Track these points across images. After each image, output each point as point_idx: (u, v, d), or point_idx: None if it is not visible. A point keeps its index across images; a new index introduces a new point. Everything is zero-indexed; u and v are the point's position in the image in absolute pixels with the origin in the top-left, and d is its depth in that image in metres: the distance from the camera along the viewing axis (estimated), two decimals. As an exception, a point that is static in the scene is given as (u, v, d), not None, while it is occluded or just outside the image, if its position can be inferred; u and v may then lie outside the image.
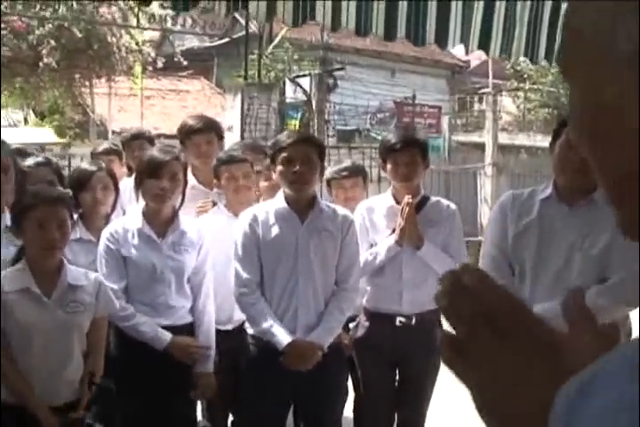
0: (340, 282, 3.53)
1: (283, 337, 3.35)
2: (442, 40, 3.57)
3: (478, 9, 3.65)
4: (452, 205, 4.00)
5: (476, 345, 0.76)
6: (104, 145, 5.54)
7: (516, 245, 3.19)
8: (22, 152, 4.65)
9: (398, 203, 3.85)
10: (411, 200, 3.74)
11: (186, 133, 4.28)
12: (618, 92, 0.59)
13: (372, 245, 3.88)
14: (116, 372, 3.31)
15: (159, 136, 5.80)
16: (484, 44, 3.68)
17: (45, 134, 15.14)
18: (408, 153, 3.76)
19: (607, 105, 0.60)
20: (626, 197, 0.63)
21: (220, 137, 4.41)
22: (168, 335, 3.47)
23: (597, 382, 0.51)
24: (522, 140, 18.48)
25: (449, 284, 0.78)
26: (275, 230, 3.44)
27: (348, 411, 4.34)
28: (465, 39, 3.61)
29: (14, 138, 11.64)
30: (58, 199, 3.07)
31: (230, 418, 4.25)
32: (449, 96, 22.56)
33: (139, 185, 3.57)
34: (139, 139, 5.11)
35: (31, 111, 18.44)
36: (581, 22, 0.63)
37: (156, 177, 3.48)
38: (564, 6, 3.83)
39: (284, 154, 3.41)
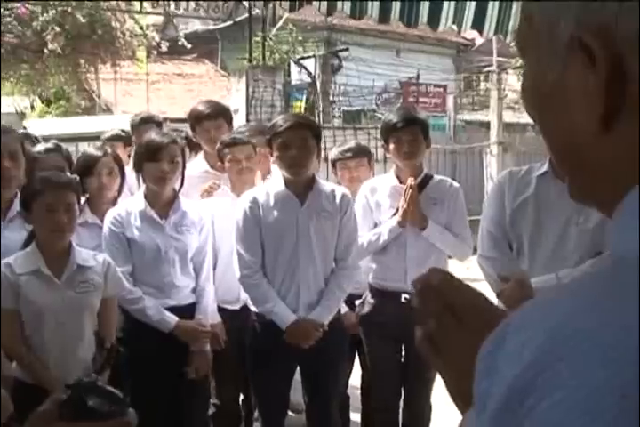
0: (340, 260, 3.62)
1: (285, 317, 3.45)
2: (433, 21, 3.60)
3: (473, -11, 3.67)
4: (455, 184, 4.05)
5: (443, 334, 0.90)
6: (112, 131, 5.62)
7: (514, 221, 3.26)
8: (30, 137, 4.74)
9: (402, 182, 3.90)
10: (413, 182, 3.80)
11: (196, 119, 4.34)
12: (557, 75, 0.66)
13: (375, 225, 3.94)
14: (128, 351, 3.41)
15: (165, 120, 5.85)
16: (477, 24, 3.70)
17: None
18: (410, 131, 3.81)
19: (548, 85, 0.67)
20: (564, 168, 0.72)
21: (230, 122, 4.47)
22: (174, 319, 3.56)
23: (510, 328, 0.59)
24: (527, 118, 18.40)
25: (420, 285, 0.92)
26: (275, 212, 3.51)
27: (357, 385, 4.44)
28: (458, 19, 3.63)
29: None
30: (65, 184, 3.16)
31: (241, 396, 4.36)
32: (454, 75, 22.45)
33: (139, 169, 3.65)
34: (147, 123, 5.16)
35: (37, 98, 18.47)
36: (533, 9, 0.70)
37: (156, 160, 3.55)
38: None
39: (280, 139, 3.47)
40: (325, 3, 3.34)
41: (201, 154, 4.44)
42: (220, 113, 4.38)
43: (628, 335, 0.51)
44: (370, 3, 3.38)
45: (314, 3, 3.33)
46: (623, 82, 0.61)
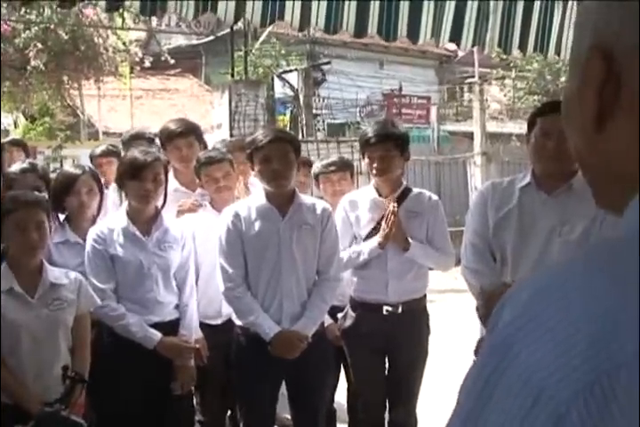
0: (322, 272, 3.63)
1: (269, 329, 3.45)
2: (413, 34, 3.60)
3: (451, 1, 3.68)
4: (435, 197, 4.06)
5: None
6: (102, 147, 5.58)
7: (497, 233, 3.26)
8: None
9: (381, 195, 3.92)
10: (395, 208, 3.78)
11: (167, 137, 4.32)
12: (576, 85, 0.75)
13: (355, 238, 3.94)
14: (109, 367, 3.39)
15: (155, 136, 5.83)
16: (455, 37, 3.71)
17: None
18: (382, 147, 3.78)
19: (569, 95, 0.77)
20: (583, 173, 0.80)
21: (201, 140, 4.46)
22: (157, 335, 3.54)
23: (506, 300, 0.69)
24: (511, 128, 18.51)
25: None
26: (257, 226, 3.52)
27: (343, 398, 4.43)
28: (436, 32, 3.64)
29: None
30: (35, 202, 3.17)
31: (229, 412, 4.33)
32: (438, 86, 22.59)
33: (121, 187, 3.63)
34: (138, 139, 5.13)
35: (21, 115, 18.41)
36: (574, 33, 0.82)
37: (139, 179, 3.54)
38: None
39: (261, 153, 3.49)
40: (298, 18, 3.34)
41: (170, 172, 4.39)
42: (191, 131, 4.37)
43: (592, 300, 0.61)
44: (345, 17, 3.39)
45: (286, 18, 3.32)
46: (617, 87, 0.70)
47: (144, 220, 3.64)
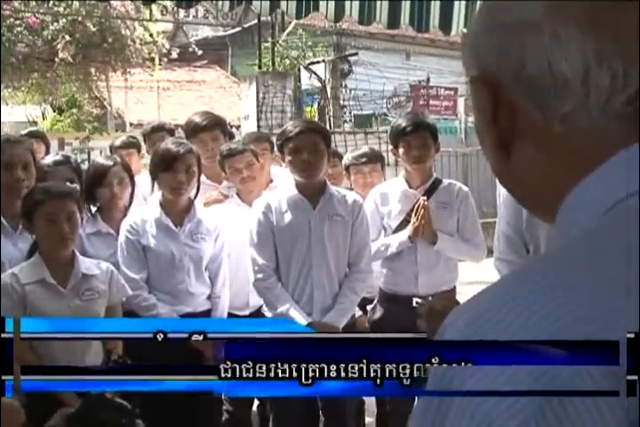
0: (353, 264, 3.63)
1: (300, 320, 3.43)
2: (445, 25, 3.58)
3: (483, -8, 3.63)
4: (465, 188, 4.05)
5: None
6: (122, 138, 5.60)
7: (530, 224, 3.22)
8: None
9: (411, 187, 3.92)
10: (426, 202, 3.79)
11: (192, 131, 4.32)
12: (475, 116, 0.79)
13: (384, 229, 3.94)
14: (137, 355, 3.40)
15: (177, 127, 5.86)
16: None
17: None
18: (419, 136, 3.82)
19: (476, 124, 0.80)
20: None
21: (226, 133, 4.46)
22: None
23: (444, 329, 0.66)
24: (539, 119, 18.33)
25: (425, 310, 1.01)
26: (288, 217, 3.53)
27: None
28: (469, 22, 3.60)
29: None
30: (66, 194, 3.17)
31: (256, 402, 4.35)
32: (465, 77, 22.44)
33: (154, 178, 3.65)
34: (159, 131, 5.13)
35: (49, 106, 18.55)
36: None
37: (172, 170, 3.55)
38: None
39: (291, 144, 3.50)
40: (332, 9, 3.33)
41: None
42: (216, 124, 4.37)
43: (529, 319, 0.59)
44: (378, 8, 3.36)
45: (321, 9, 3.31)
46: (512, 113, 0.72)
47: (177, 211, 3.65)
